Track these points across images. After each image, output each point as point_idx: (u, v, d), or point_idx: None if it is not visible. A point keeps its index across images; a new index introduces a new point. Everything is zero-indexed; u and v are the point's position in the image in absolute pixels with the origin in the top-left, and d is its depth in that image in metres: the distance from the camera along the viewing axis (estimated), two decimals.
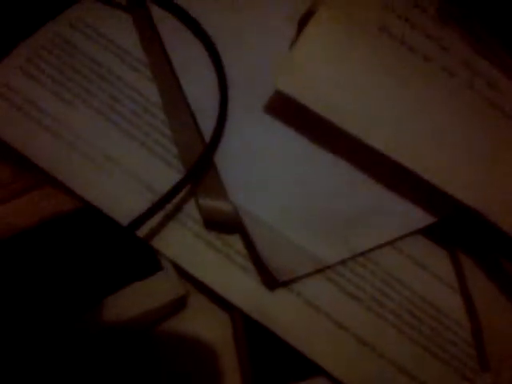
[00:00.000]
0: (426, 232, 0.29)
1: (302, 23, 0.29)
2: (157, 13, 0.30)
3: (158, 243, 0.27)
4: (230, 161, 0.28)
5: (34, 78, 0.28)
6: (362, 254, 0.28)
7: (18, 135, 0.27)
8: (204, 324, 0.28)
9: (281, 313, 0.27)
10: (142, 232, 0.26)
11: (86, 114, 0.28)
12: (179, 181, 0.26)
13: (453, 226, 0.29)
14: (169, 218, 0.27)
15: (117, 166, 0.27)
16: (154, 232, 0.27)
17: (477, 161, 0.28)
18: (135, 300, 0.26)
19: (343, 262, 0.27)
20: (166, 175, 0.27)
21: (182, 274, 0.27)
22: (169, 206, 0.27)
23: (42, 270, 0.26)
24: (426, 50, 0.29)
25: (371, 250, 0.28)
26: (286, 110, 0.28)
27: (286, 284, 0.27)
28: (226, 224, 0.27)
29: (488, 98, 0.29)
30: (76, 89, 0.28)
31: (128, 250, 0.26)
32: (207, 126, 0.28)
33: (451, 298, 0.28)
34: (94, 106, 0.28)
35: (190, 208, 0.27)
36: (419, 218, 0.28)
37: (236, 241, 0.28)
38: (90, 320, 0.25)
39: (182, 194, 0.27)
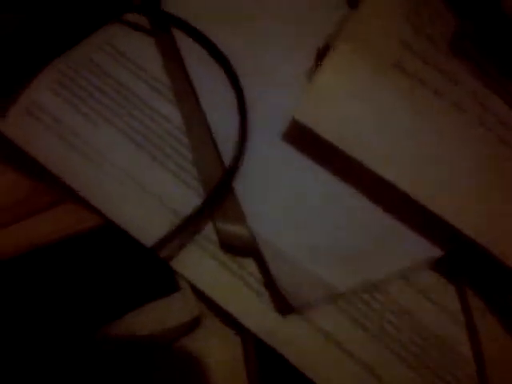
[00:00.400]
0: (434, 265, 0.29)
1: (321, 55, 0.30)
2: (180, 38, 0.31)
3: (177, 264, 0.28)
4: (248, 186, 0.28)
5: (63, 97, 0.29)
6: (372, 283, 0.28)
7: (45, 151, 0.28)
8: (216, 344, 0.28)
9: (291, 338, 0.27)
10: (162, 252, 0.27)
11: (111, 135, 0.29)
12: (201, 205, 0.27)
13: (460, 260, 0.29)
14: (187, 239, 0.28)
15: (139, 186, 0.28)
16: (173, 252, 0.27)
17: (485, 197, 0.28)
18: (152, 318, 0.26)
19: (354, 291, 0.28)
20: (186, 197, 0.28)
21: (198, 294, 0.28)
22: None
23: (62, 285, 0.27)
24: (438, 84, 0.30)
25: (381, 280, 0.29)
26: (304, 139, 0.29)
27: (298, 310, 0.27)
28: (241, 248, 0.28)
29: (498, 135, 0.30)
30: (102, 109, 0.29)
31: (148, 269, 0.27)
32: (227, 150, 0.29)
33: (457, 332, 0.29)
34: (120, 127, 0.29)
35: (208, 230, 0.28)
36: (428, 250, 0.29)
37: (251, 264, 0.28)
38: (105, 336, 0.26)
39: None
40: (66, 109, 0.29)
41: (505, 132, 0.30)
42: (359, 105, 0.29)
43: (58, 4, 0.30)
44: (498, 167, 0.29)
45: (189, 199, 0.28)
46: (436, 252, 0.29)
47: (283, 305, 0.27)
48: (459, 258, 0.29)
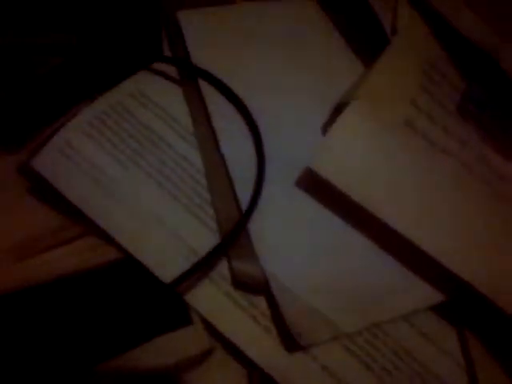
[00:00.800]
0: (436, 308, 0.30)
1: (337, 110, 0.32)
2: (205, 87, 0.33)
3: (190, 298, 0.29)
4: (263, 229, 0.30)
5: (94, 139, 0.31)
6: (376, 324, 0.29)
7: (73, 188, 0.30)
8: (224, 378, 0.29)
9: (297, 374, 0.28)
10: (179, 288, 0.28)
11: (137, 176, 0.31)
12: (217, 245, 0.28)
13: (462, 305, 0.30)
14: (202, 275, 0.29)
15: (160, 224, 0.30)
16: (187, 287, 0.29)
17: (490, 250, 0.30)
18: (165, 350, 0.27)
19: (359, 331, 0.29)
20: (204, 235, 0.30)
21: (209, 327, 0.29)
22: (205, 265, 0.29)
23: (79, 315, 0.28)
24: (445, 144, 0.32)
25: (385, 322, 0.30)
26: (317, 187, 0.30)
27: (305, 348, 0.28)
28: (253, 286, 0.29)
29: (501, 192, 0.32)
30: (130, 152, 0.31)
31: (162, 303, 0.28)
32: (244, 194, 0.30)
33: (457, 375, 0.29)
34: (145, 169, 0.31)
35: (222, 267, 0.30)
36: (432, 295, 0.30)
37: (261, 302, 0.29)
38: (117, 366, 0.27)
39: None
40: (97, 150, 0.31)
41: (507, 188, 0.32)
42: (371, 158, 0.31)
43: (95, 49, 0.32)
44: (501, 222, 0.31)
45: (206, 238, 0.30)
46: (439, 297, 0.30)
47: (291, 342, 0.28)
48: (461, 304, 0.30)
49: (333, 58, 0.35)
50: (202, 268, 0.28)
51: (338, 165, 0.30)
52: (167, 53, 0.35)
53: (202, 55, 0.34)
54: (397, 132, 0.32)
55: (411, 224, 0.30)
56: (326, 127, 0.33)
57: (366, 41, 0.35)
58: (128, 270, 0.29)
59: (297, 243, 0.30)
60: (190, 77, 0.34)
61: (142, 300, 0.28)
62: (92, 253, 0.30)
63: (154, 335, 0.27)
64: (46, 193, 0.30)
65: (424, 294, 0.30)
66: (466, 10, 0.33)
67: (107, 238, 0.29)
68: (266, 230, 0.30)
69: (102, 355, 0.27)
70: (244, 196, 0.30)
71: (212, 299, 0.29)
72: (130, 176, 0.31)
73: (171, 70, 0.34)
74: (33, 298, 0.28)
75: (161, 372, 0.27)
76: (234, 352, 0.29)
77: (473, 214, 0.31)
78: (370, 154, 0.31)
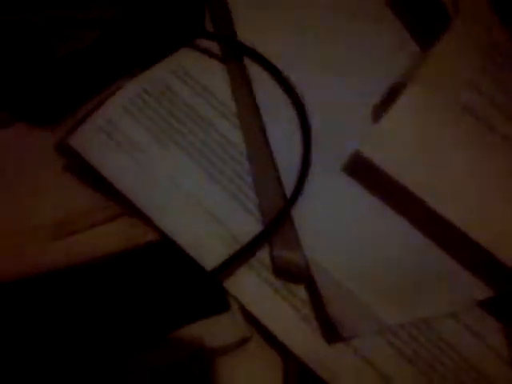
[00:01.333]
0: (482, 303, 0.29)
1: (392, 93, 0.31)
2: (251, 66, 0.32)
3: (229, 284, 0.28)
4: (307, 215, 0.29)
5: (135, 116, 0.31)
6: (421, 318, 0.29)
7: (112, 167, 0.29)
8: (258, 366, 0.29)
9: (337, 366, 0.28)
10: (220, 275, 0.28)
11: (177, 156, 0.30)
12: (260, 233, 0.28)
13: (509, 300, 0.29)
14: (242, 262, 0.28)
15: (202, 208, 0.29)
16: (226, 273, 0.28)
17: None
18: (202, 335, 0.27)
19: (402, 325, 0.28)
20: (245, 221, 0.29)
21: (247, 315, 0.28)
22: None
23: (116, 297, 0.27)
24: (506, 131, 0.30)
25: (430, 317, 0.29)
26: (365, 173, 0.29)
27: (346, 339, 0.28)
28: (295, 274, 0.28)
29: None
30: (170, 131, 0.30)
31: (202, 288, 0.28)
32: (288, 179, 0.29)
33: (502, 371, 0.29)
34: (187, 150, 0.30)
35: (263, 255, 0.29)
36: (481, 290, 0.29)
37: (301, 291, 0.29)
38: (155, 349, 0.27)
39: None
40: (137, 128, 0.30)
41: None
42: (425, 145, 0.30)
43: (135, 23, 0.32)
44: None
45: (248, 224, 0.29)
46: (488, 292, 0.29)
47: (331, 333, 0.28)
48: (509, 299, 0.29)
49: (386, 39, 0.34)
50: (244, 255, 0.27)
51: (390, 151, 0.29)
52: (209, 29, 0.34)
53: (248, 32, 0.33)
54: (455, 117, 0.30)
55: (463, 213, 0.28)
56: (377, 111, 0.31)
57: (424, 21, 0.34)
58: (167, 252, 0.29)
59: (341, 231, 0.29)
60: (235, 55, 0.33)
61: (180, 284, 0.28)
62: (131, 233, 0.29)
63: (191, 320, 0.27)
64: (84, 171, 0.30)
65: (471, 290, 0.29)
66: None
67: (146, 219, 0.29)
68: (309, 217, 0.29)
69: (141, 338, 0.26)
70: (288, 181, 0.29)
71: (251, 286, 0.28)
72: (170, 156, 0.30)
73: (214, 47, 0.33)
74: (71, 278, 0.28)
75: (197, 358, 0.27)
76: (272, 340, 0.28)
77: None
78: (424, 140, 0.30)
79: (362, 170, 0.29)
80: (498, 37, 0.32)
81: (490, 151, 0.30)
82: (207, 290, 0.28)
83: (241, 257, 0.27)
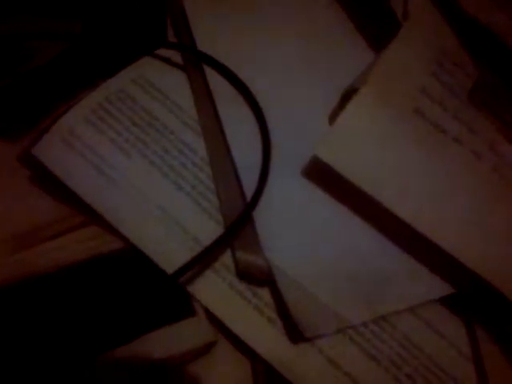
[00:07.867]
0: (444, 300, 0.30)
1: (345, 98, 0.31)
2: (210, 74, 0.32)
3: (193, 289, 0.28)
4: (268, 217, 0.29)
5: (96, 126, 0.31)
6: (382, 316, 0.29)
7: (76, 177, 0.29)
8: (225, 370, 0.29)
9: (301, 367, 0.28)
10: (181, 278, 0.28)
11: (139, 164, 0.30)
12: (221, 235, 0.28)
13: (470, 297, 0.30)
14: (205, 266, 0.29)
15: (164, 213, 0.29)
16: (191, 278, 0.28)
17: (496, 239, 0.29)
18: (167, 341, 0.27)
19: (364, 323, 0.29)
20: (207, 225, 0.29)
21: (212, 319, 0.28)
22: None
23: (80, 305, 0.27)
24: (456, 132, 0.31)
25: (390, 313, 0.29)
26: (322, 176, 0.30)
27: (310, 340, 0.28)
28: (257, 277, 0.29)
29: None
30: (133, 140, 0.31)
31: (165, 293, 0.28)
32: (249, 183, 0.30)
33: (465, 368, 0.29)
34: (148, 157, 0.30)
35: (226, 258, 0.29)
36: (440, 287, 0.30)
37: (265, 293, 0.29)
38: (118, 357, 0.26)
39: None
40: (99, 137, 0.30)
41: None
42: (379, 147, 0.30)
43: (100, 35, 0.32)
44: (510, 210, 0.30)
45: (209, 227, 0.29)
46: (447, 289, 0.30)
47: (295, 333, 0.28)
48: (469, 296, 0.30)
49: (342, 44, 0.35)
50: (204, 259, 0.28)
51: (345, 152, 0.30)
52: (172, 39, 0.34)
53: (207, 41, 0.33)
54: (406, 120, 0.31)
55: (418, 213, 0.29)
56: (333, 114, 0.32)
57: (376, 26, 0.34)
58: (131, 259, 0.29)
59: (302, 233, 0.30)
60: (195, 63, 0.33)
61: (144, 290, 0.28)
62: (94, 242, 0.29)
63: (156, 326, 0.27)
64: (47, 181, 0.30)
65: (430, 285, 0.30)
66: None
67: (109, 228, 0.29)
68: (271, 220, 0.29)
69: (104, 346, 0.26)
70: (249, 185, 0.30)
71: (216, 290, 0.29)
72: (133, 164, 0.30)
73: (176, 56, 0.33)
74: (33, 288, 0.28)
75: (164, 363, 0.27)
76: (238, 344, 0.29)
77: (482, 203, 0.30)
78: (377, 142, 0.30)
79: (319, 172, 0.30)
80: (447, 42, 0.33)
81: (440, 152, 0.31)
82: (172, 295, 0.28)
83: (202, 259, 0.27)
